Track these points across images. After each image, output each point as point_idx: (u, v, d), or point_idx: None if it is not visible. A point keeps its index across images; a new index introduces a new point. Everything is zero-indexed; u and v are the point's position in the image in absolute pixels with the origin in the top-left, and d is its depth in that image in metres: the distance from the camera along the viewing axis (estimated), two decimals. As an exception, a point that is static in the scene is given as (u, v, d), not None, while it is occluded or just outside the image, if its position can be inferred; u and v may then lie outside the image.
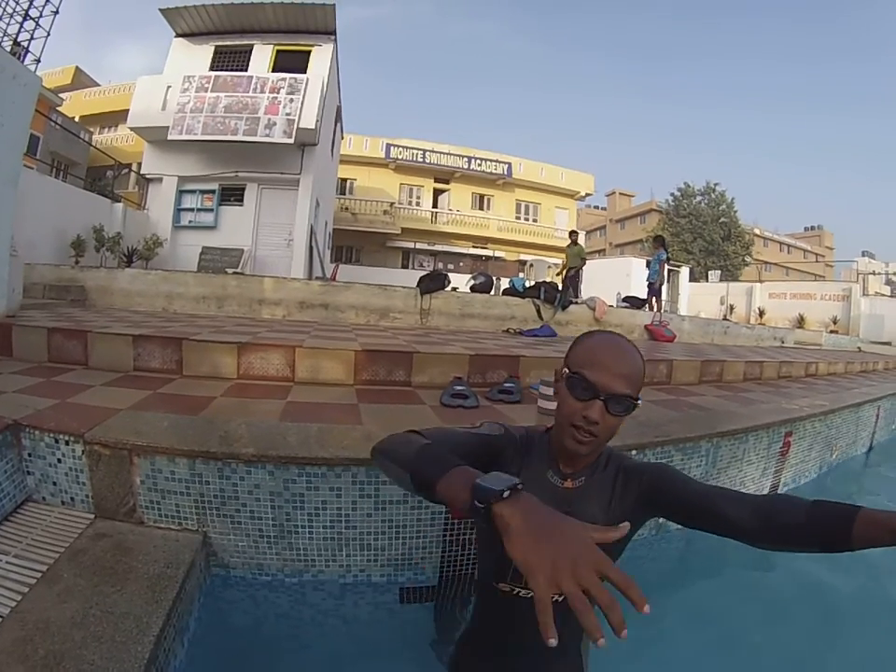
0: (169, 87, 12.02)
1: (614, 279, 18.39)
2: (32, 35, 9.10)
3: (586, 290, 12.76)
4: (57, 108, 19.61)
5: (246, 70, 12.40)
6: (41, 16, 9.25)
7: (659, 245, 12.44)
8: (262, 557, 2.19)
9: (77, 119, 21.54)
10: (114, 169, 16.09)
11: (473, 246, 26.50)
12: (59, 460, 2.16)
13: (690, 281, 25.39)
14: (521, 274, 15.16)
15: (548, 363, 4.47)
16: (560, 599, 1.20)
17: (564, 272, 13.17)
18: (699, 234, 36.34)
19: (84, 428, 2.18)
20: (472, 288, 9.31)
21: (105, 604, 1.58)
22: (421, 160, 25.98)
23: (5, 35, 8.97)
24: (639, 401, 1.15)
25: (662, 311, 11.33)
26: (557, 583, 0.69)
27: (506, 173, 26.68)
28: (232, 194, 12.84)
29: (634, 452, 2.62)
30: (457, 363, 4.08)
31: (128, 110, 12.39)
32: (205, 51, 12.73)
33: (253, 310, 7.44)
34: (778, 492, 1.16)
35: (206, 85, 11.83)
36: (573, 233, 13.47)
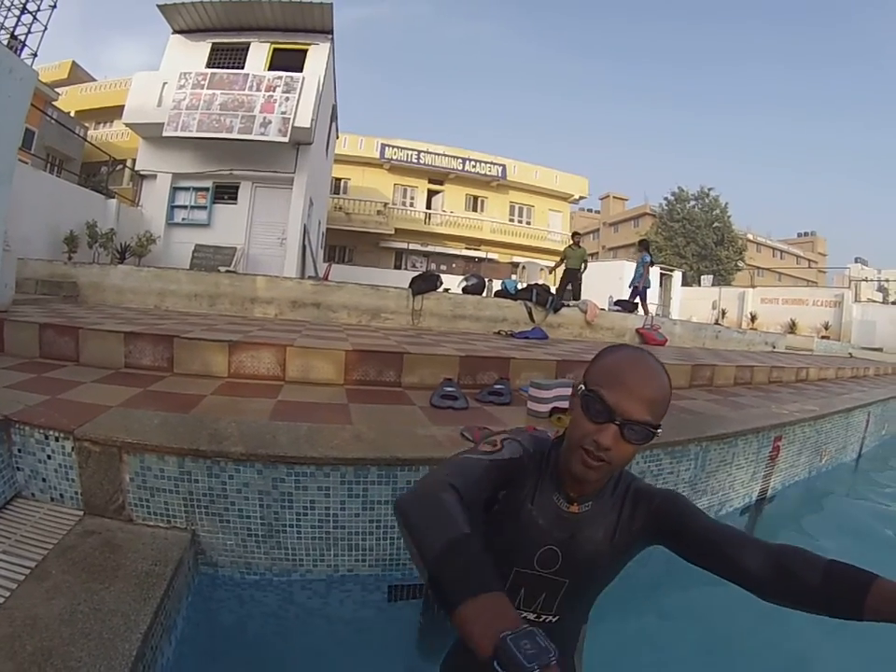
0: (165, 83, 11.95)
1: (606, 282, 18.39)
2: (29, 29, 9.07)
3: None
4: (53, 103, 19.54)
5: (243, 68, 12.36)
6: (39, 10, 9.22)
7: (643, 248, 12.64)
8: (250, 556, 2.19)
9: (72, 115, 21.47)
10: (108, 165, 16.01)
11: (466, 248, 26.56)
12: (48, 456, 2.16)
13: (682, 285, 25.49)
14: (513, 276, 15.14)
15: (538, 365, 4.49)
16: (554, 620, 1.21)
17: (562, 272, 12.76)
18: (692, 239, 36.49)
19: (74, 425, 2.17)
20: (464, 290, 9.31)
21: (93, 601, 1.58)
22: (415, 160, 26.03)
23: (2, 29, 8.93)
24: (660, 430, 1.05)
25: (649, 313, 11.36)
26: None
27: (500, 174, 26.77)
28: (226, 192, 12.80)
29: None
30: (448, 364, 4.09)
31: (124, 106, 12.33)
32: (202, 48, 12.68)
33: (245, 308, 7.43)
34: (788, 545, 1.02)
35: (202, 82, 11.78)
36: (575, 235, 13.38)
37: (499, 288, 9.38)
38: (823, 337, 20.06)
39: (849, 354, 16.09)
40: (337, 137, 20.36)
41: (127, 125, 12.77)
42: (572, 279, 12.52)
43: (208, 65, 12.49)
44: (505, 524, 1.21)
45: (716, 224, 36.63)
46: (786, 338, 14.88)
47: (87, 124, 21.94)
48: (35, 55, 9.14)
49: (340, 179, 25.42)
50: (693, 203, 38.22)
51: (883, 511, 4.61)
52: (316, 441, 2.27)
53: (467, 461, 1.11)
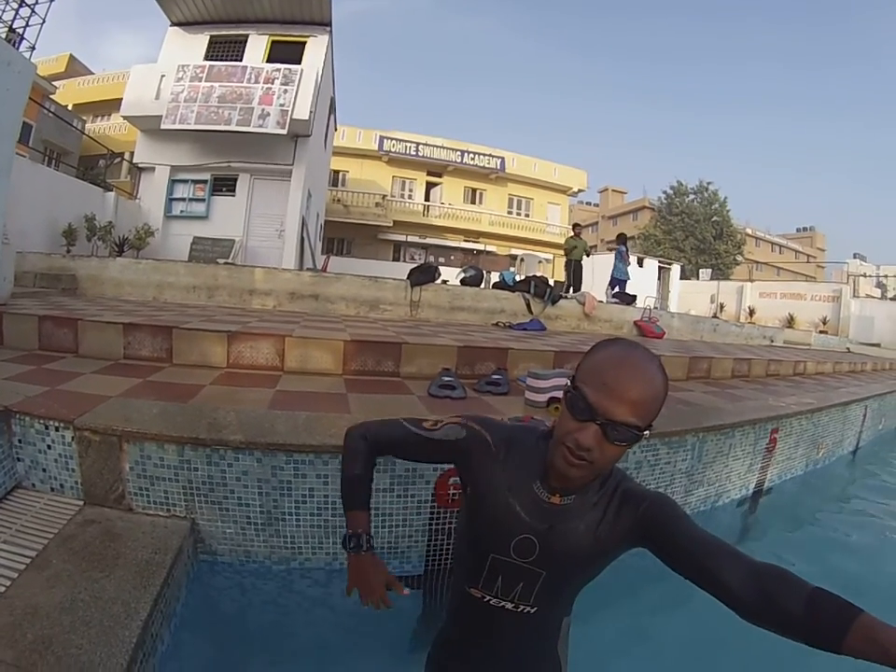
0: (163, 76, 11.87)
1: (604, 275, 18.39)
2: (27, 22, 8.99)
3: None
4: (50, 96, 19.46)
5: (241, 60, 12.28)
6: (37, 2, 9.15)
7: (621, 241, 13.59)
8: (249, 544, 2.20)
9: (70, 108, 21.38)
10: (106, 158, 15.99)
11: (465, 240, 26.46)
12: (49, 446, 2.17)
13: (681, 279, 25.53)
14: (511, 268, 15.10)
15: (536, 356, 4.50)
16: (532, 611, 1.24)
17: (569, 261, 13.02)
18: (691, 233, 36.45)
19: (74, 415, 2.19)
20: (462, 281, 9.29)
21: (93, 589, 1.60)
22: (414, 153, 25.91)
23: (0, 22, 8.87)
24: (647, 433, 1.01)
25: (624, 301, 11.51)
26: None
27: (499, 167, 26.66)
28: (224, 184, 12.74)
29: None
30: (446, 355, 4.10)
31: (121, 99, 12.23)
32: (200, 41, 12.61)
33: (243, 300, 7.43)
34: (773, 565, 0.94)
35: (200, 74, 11.72)
36: (576, 226, 13.64)
37: (497, 280, 9.38)
38: (821, 332, 20.11)
39: (847, 349, 16.09)
40: (335, 129, 20.29)
41: (125, 118, 12.72)
42: (577, 269, 12.69)
43: (206, 58, 12.42)
44: (479, 508, 1.22)
45: (715, 218, 36.57)
46: (784, 332, 14.90)
47: (84, 117, 21.81)
48: (33, 48, 9.05)
49: (338, 171, 25.32)
50: (692, 196, 38.12)
51: (879, 504, 4.63)
52: (315, 429, 2.28)
53: (397, 425, 1.38)
